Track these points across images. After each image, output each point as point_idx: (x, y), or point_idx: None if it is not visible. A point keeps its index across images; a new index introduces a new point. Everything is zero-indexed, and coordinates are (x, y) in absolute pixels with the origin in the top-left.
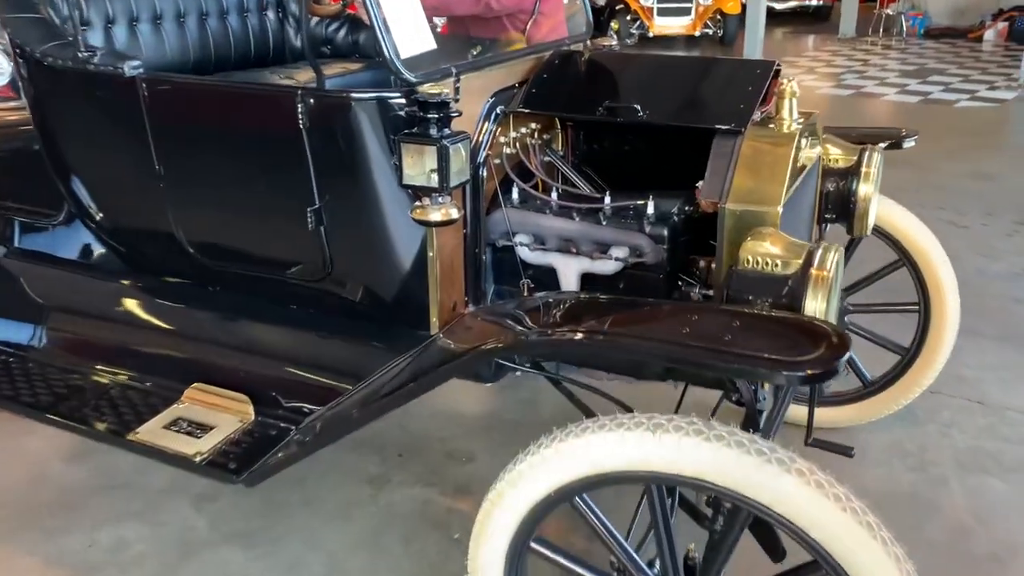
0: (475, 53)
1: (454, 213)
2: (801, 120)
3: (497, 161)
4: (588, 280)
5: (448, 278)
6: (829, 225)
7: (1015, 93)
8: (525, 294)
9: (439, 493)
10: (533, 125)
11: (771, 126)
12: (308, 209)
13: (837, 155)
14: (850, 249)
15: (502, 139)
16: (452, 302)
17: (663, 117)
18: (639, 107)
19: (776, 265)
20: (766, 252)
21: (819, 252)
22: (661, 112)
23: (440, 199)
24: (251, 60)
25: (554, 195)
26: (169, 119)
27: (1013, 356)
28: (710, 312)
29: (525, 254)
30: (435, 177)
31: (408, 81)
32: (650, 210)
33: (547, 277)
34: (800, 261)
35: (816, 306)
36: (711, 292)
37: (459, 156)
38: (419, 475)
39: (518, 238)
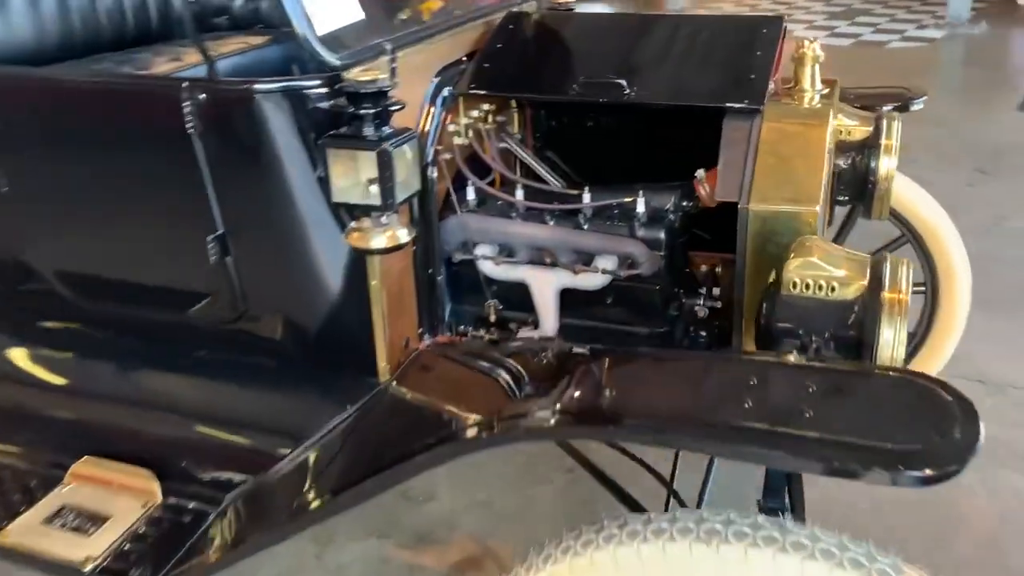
0: (404, 19)
1: (403, 235)
2: (825, 91)
3: (448, 155)
4: (569, 296)
5: (397, 309)
6: (836, 209)
7: (943, 32)
8: (491, 317)
9: (396, 545)
10: (486, 107)
11: (789, 101)
12: (208, 237)
13: (850, 125)
14: (846, 226)
15: (451, 127)
16: (403, 338)
17: (656, 95)
18: (624, 83)
19: (832, 288)
20: (820, 272)
21: (887, 268)
22: (652, 89)
23: (384, 219)
24: (128, 39)
25: (519, 194)
26: (10, 124)
27: (1002, 323)
28: (770, 369)
29: (489, 269)
30: (375, 191)
31: (330, 66)
32: (640, 208)
33: (517, 294)
34: (864, 282)
35: (895, 337)
36: (718, 303)
37: (405, 161)
38: (371, 524)
39: (479, 249)
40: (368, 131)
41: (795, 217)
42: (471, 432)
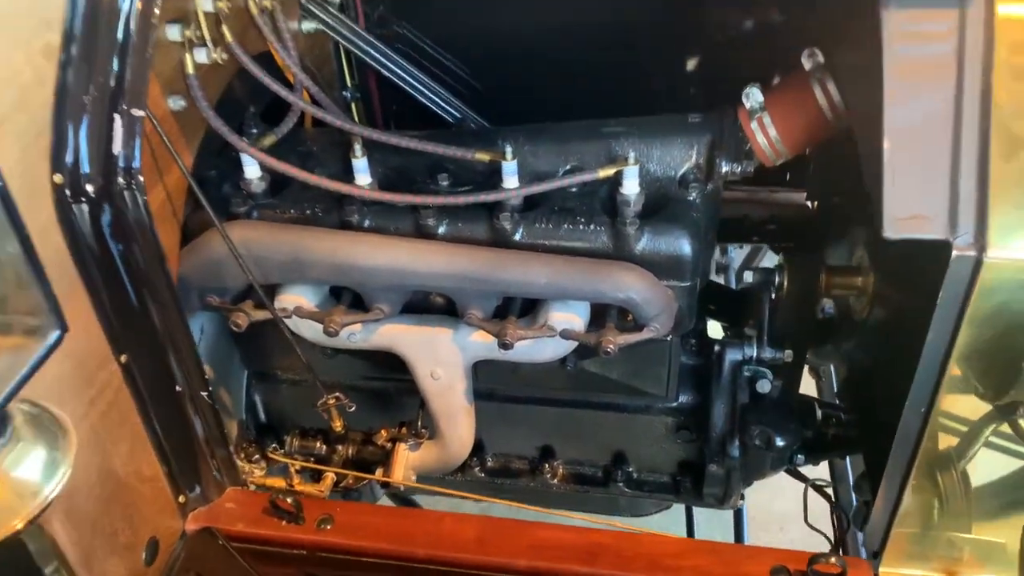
0: None
1: None
2: None
3: (177, 104)
4: (490, 367)
5: (102, 508)
6: None
7: None
8: (336, 424)
9: None
10: None
11: None
12: None
13: None
14: None
15: (171, 32)
16: (145, 543)
17: None
18: None
19: None
20: None
21: None
22: None
23: None
24: None
25: (360, 166)
26: None
27: None
28: None
29: (312, 333)
30: None
31: None
32: (630, 188)
33: (382, 362)
34: None
35: None
36: (784, 355)
37: None
38: None
39: (285, 298)
40: None
41: None
42: None
